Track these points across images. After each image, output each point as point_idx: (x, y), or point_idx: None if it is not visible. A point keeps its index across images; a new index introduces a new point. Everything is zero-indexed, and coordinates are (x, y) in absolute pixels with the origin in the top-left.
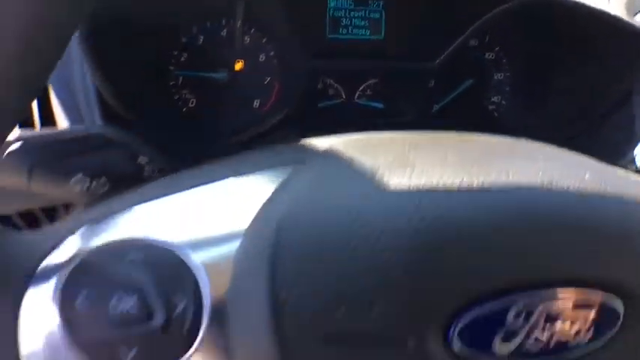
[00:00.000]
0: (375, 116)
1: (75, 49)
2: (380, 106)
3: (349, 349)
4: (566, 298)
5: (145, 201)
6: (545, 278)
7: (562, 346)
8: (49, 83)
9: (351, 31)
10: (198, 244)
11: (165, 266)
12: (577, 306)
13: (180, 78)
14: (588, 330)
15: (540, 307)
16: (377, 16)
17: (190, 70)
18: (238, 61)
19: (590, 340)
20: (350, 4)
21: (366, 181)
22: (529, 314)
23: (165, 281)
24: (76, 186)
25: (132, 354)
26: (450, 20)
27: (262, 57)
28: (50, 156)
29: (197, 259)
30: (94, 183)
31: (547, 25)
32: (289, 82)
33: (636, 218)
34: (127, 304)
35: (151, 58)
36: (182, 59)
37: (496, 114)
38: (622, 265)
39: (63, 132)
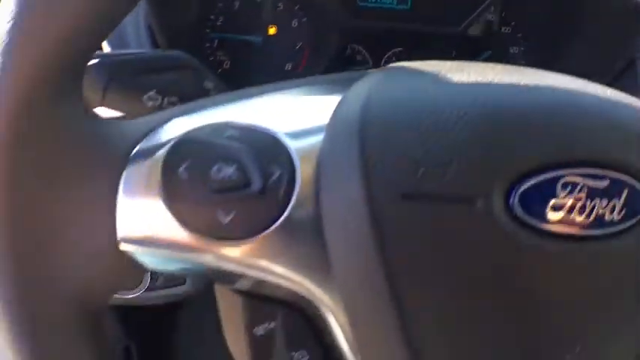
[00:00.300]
0: None
1: None
2: None
3: (425, 206)
4: (602, 176)
5: (234, 100)
6: (585, 158)
7: (601, 219)
8: None
9: (380, 0)
10: (290, 130)
11: (261, 141)
12: (611, 186)
13: (216, 41)
14: (622, 209)
15: (582, 182)
16: None
17: (226, 33)
18: (272, 26)
19: (624, 219)
20: None
21: (434, 76)
22: (574, 188)
23: (262, 154)
24: (148, 102)
25: (230, 216)
26: None
27: (295, 23)
28: (127, 72)
29: (290, 141)
30: (166, 100)
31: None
32: (319, 47)
33: None
34: (227, 172)
35: (192, 20)
36: (218, 23)
37: None
38: None
39: (140, 52)
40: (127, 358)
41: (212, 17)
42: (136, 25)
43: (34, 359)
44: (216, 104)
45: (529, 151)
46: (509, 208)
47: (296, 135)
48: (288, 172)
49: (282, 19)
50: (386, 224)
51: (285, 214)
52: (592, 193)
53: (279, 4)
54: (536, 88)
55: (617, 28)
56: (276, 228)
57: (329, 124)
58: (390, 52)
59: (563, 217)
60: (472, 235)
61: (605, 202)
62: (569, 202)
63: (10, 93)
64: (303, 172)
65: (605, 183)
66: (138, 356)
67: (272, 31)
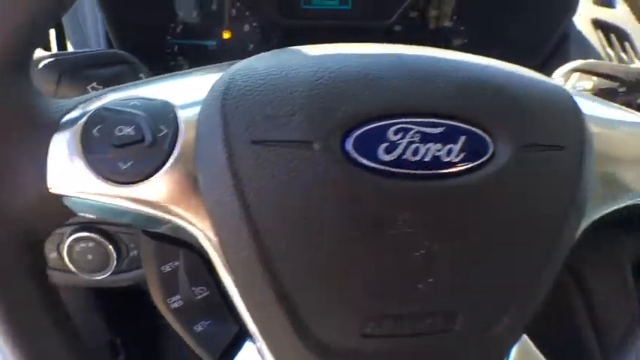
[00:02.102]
0: None
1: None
2: None
3: (271, 149)
4: (437, 124)
5: (148, 82)
6: (419, 109)
7: (436, 161)
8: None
9: (323, 2)
10: (182, 102)
11: (156, 109)
12: (447, 132)
13: (176, 46)
14: (460, 152)
15: (415, 128)
16: None
17: (185, 40)
18: (226, 31)
19: (462, 161)
20: None
21: (295, 51)
22: (406, 133)
23: (155, 118)
24: (92, 91)
25: (128, 164)
26: None
27: (246, 27)
28: (75, 68)
29: (180, 109)
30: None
31: None
32: (268, 48)
33: (506, 74)
34: (127, 131)
35: (153, 28)
36: (178, 30)
37: None
38: (487, 104)
39: (86, 51)
40: (113, 352)
41: (172, 25)
42: (96, 34)
43: None
44: (133, 86)
45: (362, 103)
46: (344, 150)
47: (185, 105)
48: (173, 131)
49: (235, 24)
50: (240, 165)
51: (170, 161)
52: (426, 138)
53: (232, 11)
54: (379, 54)
55: (549, 5)
56: (162, 172)
57: (206, 95)
58: None
59: (396, 159)
60: (312, 174)
61: (439, 145)
62: (402, 145)
63: None
64: (187, 132)
65: (439, 129)
66: (125, 350)
67: (226, 35)
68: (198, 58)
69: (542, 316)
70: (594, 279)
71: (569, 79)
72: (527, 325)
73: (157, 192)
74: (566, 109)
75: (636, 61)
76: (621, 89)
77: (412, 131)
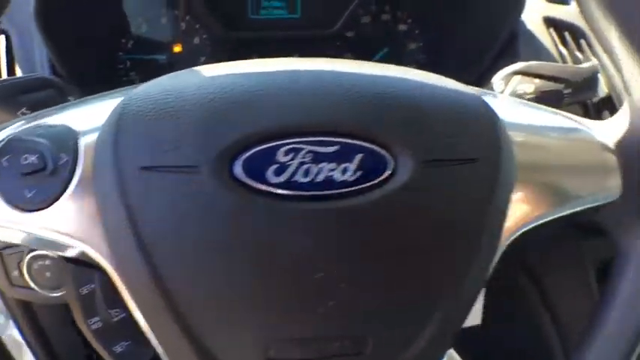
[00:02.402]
0: None
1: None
2: None
3: (161, 175)
4: (330, 142)
5: (53, 112)
6: (308, 128)
7: (329, 181)
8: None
9: (270, 11)
10: (85, 128)
11: (59, 136)
12: (342, 151)
13: (128, 62)
14: (356, 171)
15: (307, 148)
16: None
17: (136, 54)
18: (177, 45)
19: (359, 180)
20: None
21: (191, 73)
22: (297, 153)
23: (57, 145)
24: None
25: (32, 193)
26: None
27: (197, 40)
28: (5, 95)
29: (81, 135)
30: None
31: None
32: (219, 60)
33: (412, 86)
34: (31, 160)
35: (102, 45)
36: (129, 45)
37: None
38: (385, 120)
39: (15, 78)
40: None
41: (123, 41)
42: (41, 59)
43: None
44: (42, 114)
45: (251, 125)
46: (232, 174)
47: (87, 132)
48: (72, 158)
49: (185, 37)
50: (131, 191)
51: (70, 188)
52: (318, 158)
53: (182, 24)
54: (277, 72)
55: (496, 4)
56: (64, 199)
57: (104, 120)
58: None
59: (285, 180)
60: (203, 199)
61: (334, 165)
62: (293, 166)
63: None
64: (86, 159)
65: (333, 148)
66: None
67: (177, 49)
68: (149, 72)
69: (504, 318)
70: (556, 283)
71: (509, 82)
72: (452, 342)
73: (60, 219)
74: (478, 120)
75: (593, 59)
76: (567, 91)
77: (303, 151)
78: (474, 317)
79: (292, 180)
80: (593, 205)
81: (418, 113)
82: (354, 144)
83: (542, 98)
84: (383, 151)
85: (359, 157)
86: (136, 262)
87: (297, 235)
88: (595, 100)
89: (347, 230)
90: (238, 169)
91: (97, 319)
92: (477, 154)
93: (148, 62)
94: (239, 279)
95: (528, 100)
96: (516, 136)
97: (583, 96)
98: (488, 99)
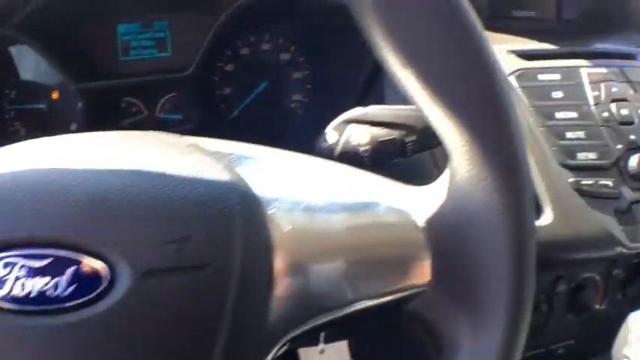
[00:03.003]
0: (178, 127)
1: None
2: (180, 117)
3: None
4: (42, 255)
5: None
6: (15, 241)
7: (43, 296)
8: None
9: (141, 52)
10: None
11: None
12: (54, 264)
13: (12, 112)
14: (69, 286)
15: (20, 262)
16: (162, 35)
17: (18, 104)
18: (54, 92)
19: (74, 295)
20: (137, 28)
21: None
22: (13, 267)
23: None
24: None
25: None
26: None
27: (72, 87)
28: None
29: None
30: None
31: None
32: (97, 105)
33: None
34: None
35: None
36: (12, 95)
37: (300, 111)
38: (101, 228)
39: None
40: None
41: (7, 91)
42: None
43: None
44: None
45: None
46: None
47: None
48: None
49: (61, 84)
50: None
51: None
52: (33, 272)
53: (59, 75)
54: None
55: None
56: None
57: None
58: (163, 99)
59: (5, 295)
60: None
61: (47, 279)
62: (10, 280)
63: None
64: None
65: (45, 262)
66: None
67: (55, 96)
68: (32, 121)
69: None
70: None
71: (343, 132)
72: None
73: None
74: (217, 219)
75: None
76: (410, 139)
77: (17, 265)
78: None
79: (12, 295)
80: (395, 298)
81: (138, 217)
82: (66, 257)
83: (380, 150)
84: (100, 263)
85: (71, 270)
86: None
87: (20, 352)
88: None
89: (60, 348)
90: None
91: None
92: (208, 260)
93: (30, 111)
94: None
95: (363, 152)
96: (284, 228)
97: (430, 144)
98: (264, 177)
